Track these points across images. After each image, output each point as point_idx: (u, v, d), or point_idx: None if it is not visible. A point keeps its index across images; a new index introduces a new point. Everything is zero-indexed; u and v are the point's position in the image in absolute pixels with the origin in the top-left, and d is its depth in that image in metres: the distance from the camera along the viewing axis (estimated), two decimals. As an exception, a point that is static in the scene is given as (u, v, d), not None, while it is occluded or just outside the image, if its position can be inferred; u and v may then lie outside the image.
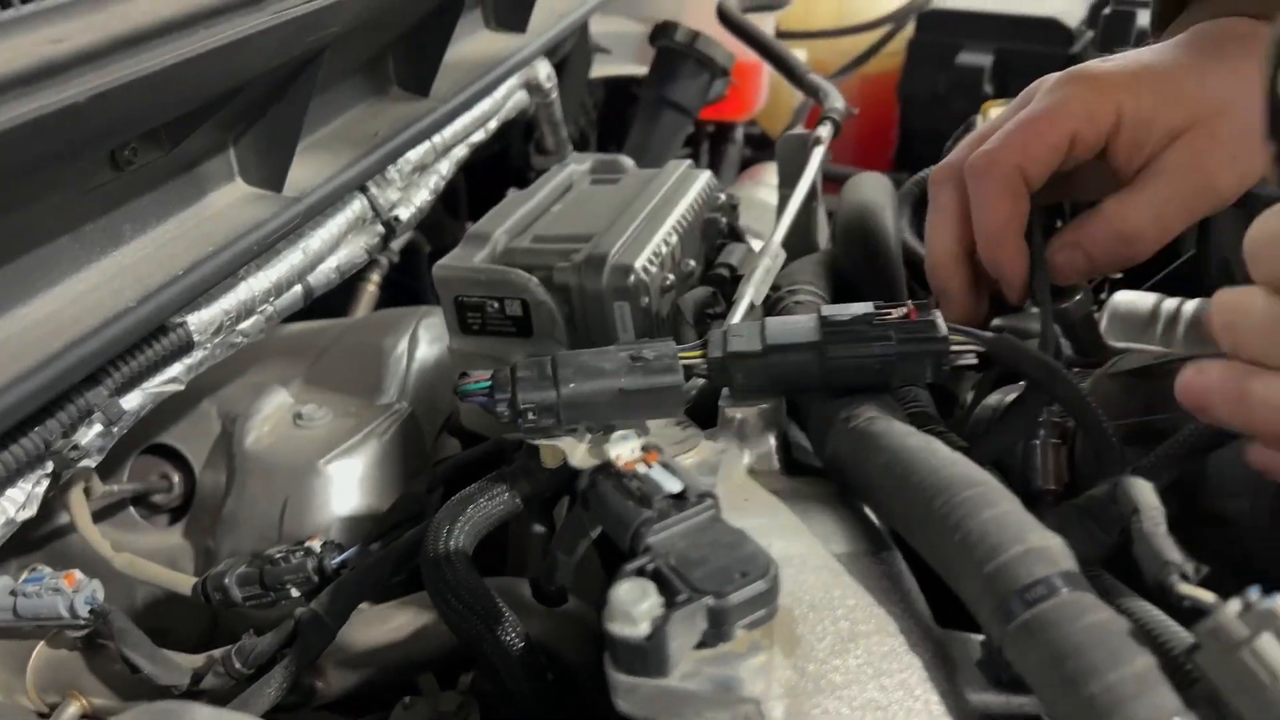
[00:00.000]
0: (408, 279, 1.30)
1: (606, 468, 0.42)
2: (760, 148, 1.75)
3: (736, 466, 0.55)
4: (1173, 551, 0.36)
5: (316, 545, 0.64)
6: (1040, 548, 0.37)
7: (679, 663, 0.37)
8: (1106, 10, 1.47)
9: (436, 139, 0.83)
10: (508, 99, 0.96)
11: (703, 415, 0.59)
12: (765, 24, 1.46)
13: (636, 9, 1.47)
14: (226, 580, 0.65)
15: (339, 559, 0.64)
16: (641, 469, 0.41)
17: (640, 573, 0.37)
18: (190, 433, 0.87)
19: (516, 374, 0.51)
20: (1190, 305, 0.80)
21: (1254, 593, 0.33)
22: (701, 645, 0.37)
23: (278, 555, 0.64)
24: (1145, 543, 0.37)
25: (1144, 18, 1.42)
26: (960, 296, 0.64)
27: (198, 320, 0.59)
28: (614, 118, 1.47)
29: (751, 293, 0.71)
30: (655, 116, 1.19)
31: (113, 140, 0.47)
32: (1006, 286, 0.62)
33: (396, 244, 1.20)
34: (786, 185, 1.03)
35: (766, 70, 1.59)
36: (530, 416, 0.51)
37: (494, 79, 0.87)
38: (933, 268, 0.65)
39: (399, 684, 0.68)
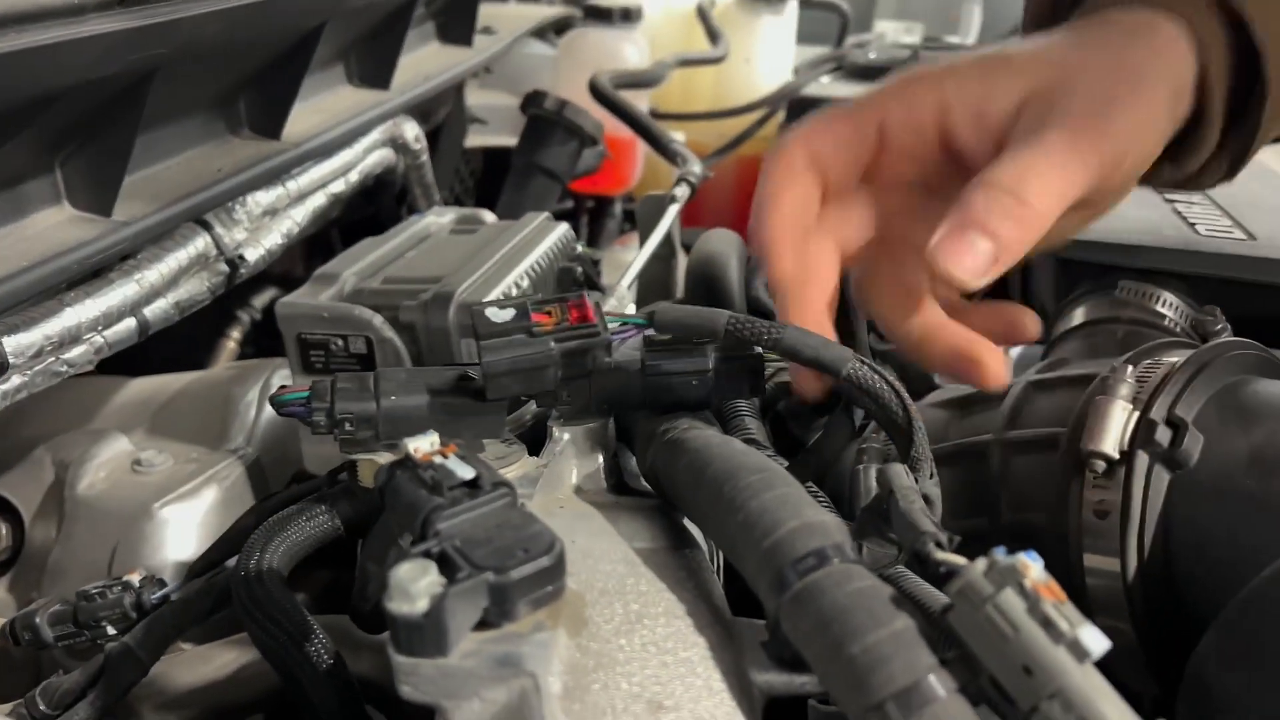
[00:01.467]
0: (273, 340, 1.28)
1: (404, 461, 0.42)
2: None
3: (562, 483, 0.55)
4: (926, 522, 0.38)
5: (136, 579, 0.62)
6: (814, 522, 0.38)
7: (459, 642, 0.36)
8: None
9: (290, 185, 0.83)
10: (370, 153, 0.97)
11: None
12: (639, 101, 1.51)
13: (513, 84, 1.51)
14: (37, 619, 0.62)
15: (160, 594, 0.62)
16: (438, 460, 0.42)
17: (426, 555, 0.37)
18: (22, 481, 0.84)
19: (336, 385, 0.51)
20: (1015, 350, 0.86)
21: (999, 552, 0.35)
22: (486, 626, 0.37)
23: (93, 591, 0.61)
24: (900, 519, 0.39)
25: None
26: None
27: (15, 343, 0.57)
28: (492, 186, 1.50)
29: (592, 330, 0.73)
30: (526, 180, 1.21)
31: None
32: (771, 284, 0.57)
33: (260, 300, 1.19)
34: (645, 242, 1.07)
35: (642, 147, 1.64)
36: (348, 427, 0.51)
37: (351, 129, 0.88)
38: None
39: (224, 728, 0.66)
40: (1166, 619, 0.53)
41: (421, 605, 0.35)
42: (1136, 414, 0.54)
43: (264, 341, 1.23)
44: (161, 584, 0.63)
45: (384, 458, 0.53)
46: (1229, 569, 0.49)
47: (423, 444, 0.43)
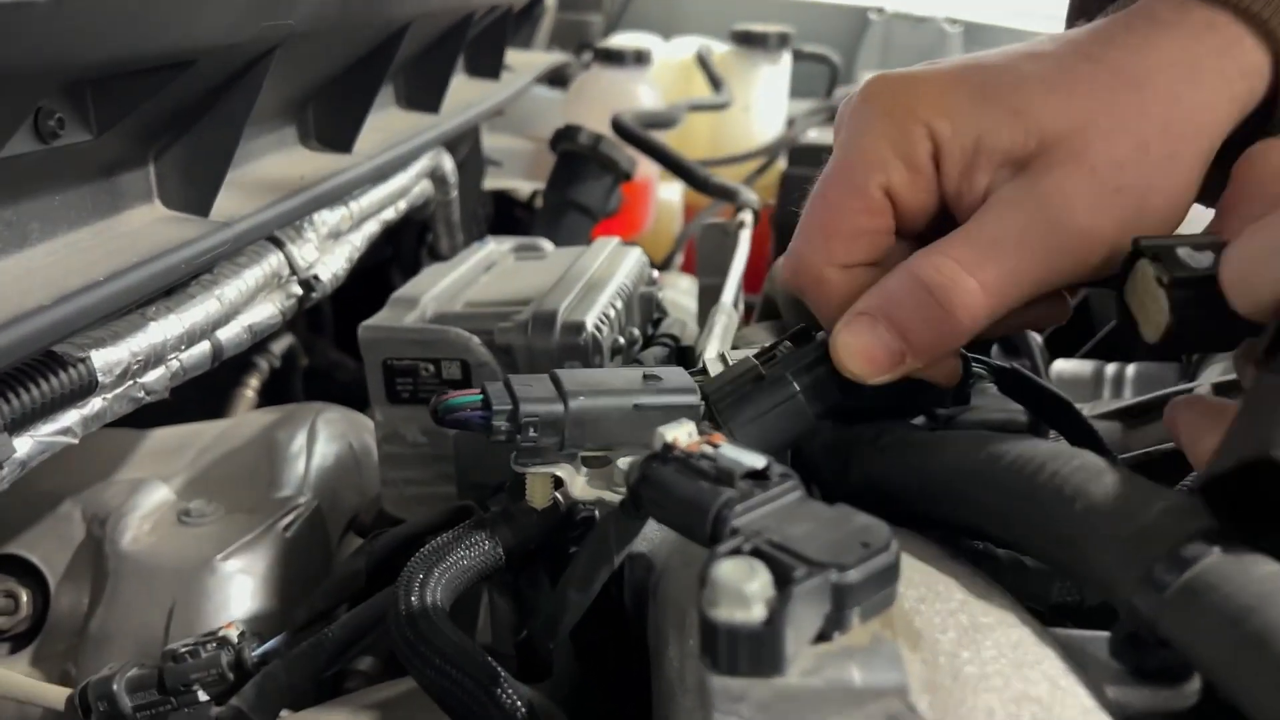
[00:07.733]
0: (286, 393, 1.20)
1: (662, 453, 0.36)
2: (642, 272, 1.75)
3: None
4: None
5: (233, 634, 0.53)
6: (1179, 506, 0.33)
7: (796, 657, 0.30)
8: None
9: (353, 205, 0.77)
10: (417, 181, 0.91)
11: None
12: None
13: (521, 127, 1.47)
14: (115, 686, 0.52)
15: (261, 650, 0.53)
16: (709, 449, 0.35)
17: (736, 553, 0.31)
18: (47, 540, 0.74)
19: (514, 385, 0.45)
20: (1132, 367, 0.82)
21: None
22: (818, 638, 0.31)
23: (183, 650, 0.53)
24: None
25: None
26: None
27: (103, 359, 0.49)
28: (501, 229, 1.44)
29: (716, 345, 0.67)
30: (558, 218, 1.16)
31: (39, 90, 0.39)
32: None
33: (278, 346, 1.11)
34: (707, 273, 1.02)
35: (653, 192, 1.61)
36: (532, 433, 0.44)
37: (412, 149, 0.82)
38: None
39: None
40: None
41: (758, 612, 0.29)
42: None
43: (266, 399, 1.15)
44: (260, 639, 0.54)
45: (563, 469, 0.46)
46: None
47: (681, 434, 0.36)
